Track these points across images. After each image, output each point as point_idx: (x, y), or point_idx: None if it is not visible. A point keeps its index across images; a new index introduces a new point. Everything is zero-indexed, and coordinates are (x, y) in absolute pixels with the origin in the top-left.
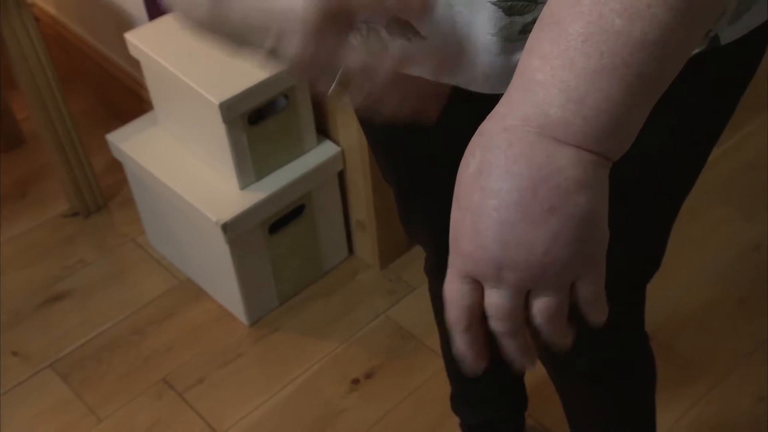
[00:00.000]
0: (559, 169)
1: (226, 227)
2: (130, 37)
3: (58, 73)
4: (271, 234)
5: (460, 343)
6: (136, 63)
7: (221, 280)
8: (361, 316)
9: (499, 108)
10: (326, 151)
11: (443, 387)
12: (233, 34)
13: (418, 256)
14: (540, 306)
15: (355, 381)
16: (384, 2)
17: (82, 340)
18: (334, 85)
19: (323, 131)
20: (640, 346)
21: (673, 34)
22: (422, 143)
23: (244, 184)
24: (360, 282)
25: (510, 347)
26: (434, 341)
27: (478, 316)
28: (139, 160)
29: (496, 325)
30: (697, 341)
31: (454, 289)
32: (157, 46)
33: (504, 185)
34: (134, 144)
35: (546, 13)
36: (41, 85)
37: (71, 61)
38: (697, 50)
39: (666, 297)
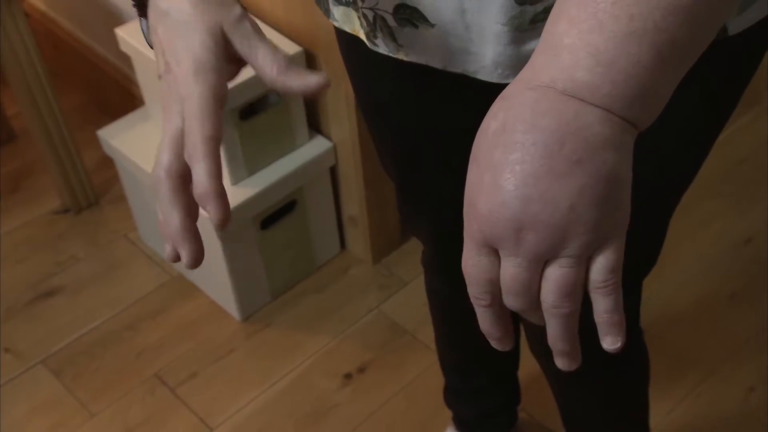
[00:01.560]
0: (587, 125)
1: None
2: (120, 32)
3: (48, 69)
4: (263, 229)
5: (485, 320)
6: (126, 58)
7: (213, 276)
8: (353, 311)
9: (524, 73)
10: (318, 146)
11: (436, 381)
12: None
13: (410, 250)
14: (555, 277)
15: (348, 375)
16: None
17: (74, 336)
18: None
19: (315, 126)
20: (634, 340)
21: None
22: (427, 134)
23: (236, 179)
24: (352, 277)
25: (532, 319)
26: (427, 335)
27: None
28: (131, 156)
29: (512, 301)
30: (689, 334)
31: (472, 263)
32: None
33: (529, 138)
34: (125, 140)
35: None
36: (32, 82)
37: (62, 57)
38: None
39: (658, 291)
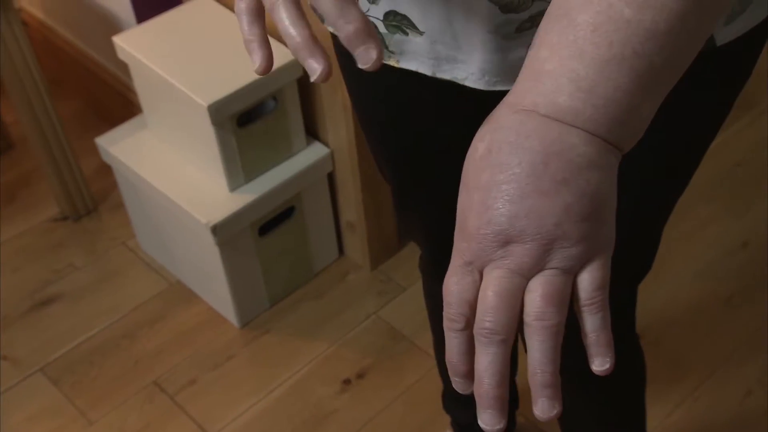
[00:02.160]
0: (571, 146)
1: (216, 229)
2: (118, 40)
3: (46, 77)
4: (261, 236)
5: (453, 347)
6: (124, 66)
7: (211, 283)
8: (351, 317)
9: (508, 98)
10: (315, 152)
11: (434, 386)
12: None
13: (408, 256)
14: (542, 285)
15: (347, 381)
16: None
17: (73, 343)
18: None
19: (312, 133)
20: (630, 344)
21: (684, 23)
22: (421, 139)
23: (234, 186)
24: (350, 283)
25: (497, 354)
26: (425, 341)
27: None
28: (129, 164)
29: (489, 317)
30: (685, 338)
31: (455, 280)
32: (146, 49)
33: (514, 158)
34: (123, 147)
35: (554, 6)
36: (29, 90)
37: (60, 65)
38: None
39: (654, 295)
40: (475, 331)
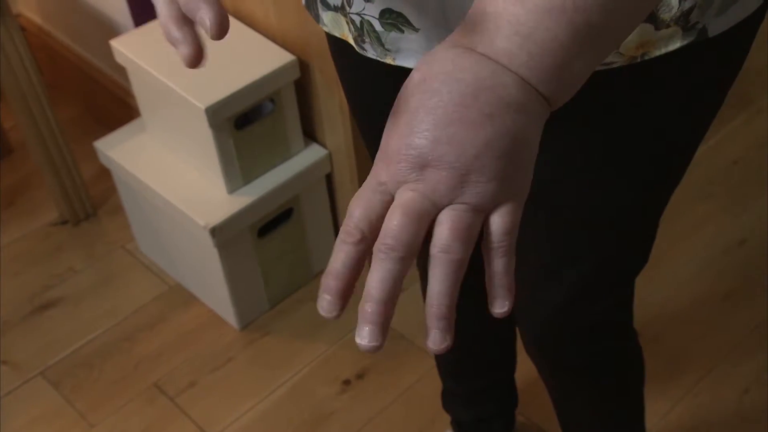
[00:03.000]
0: (502, 84)
1: (215, 231)
2: (115, 44)
3: (45, 82)
4: (260, 237)
5: (339, 258)
6: (122, 70)
7: (211, 285)
8: (351, 318)
9: (450, 36)
10: (314, 154)
11: (434, 386)
12: None
13: None
14: (451, 218)
15: (346, 382)
16: None
17: (73, 347)
18: None
19: (310, 134)
20: (628, 340)
21: None
22: None
23: (232, 188)
24: None
25: (392, 271)
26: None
27: (375, 236)
28: (127, 167)
29: (391, 234)
30: (684, 335)
31: (363, 197)
32: (143, 53)
33: (446, 87)
34: (122, 151)
35: None
36: (28, 95)
37: (58, 70)
38: (686, 41)
39: (653, 292)
40: (375, 247)
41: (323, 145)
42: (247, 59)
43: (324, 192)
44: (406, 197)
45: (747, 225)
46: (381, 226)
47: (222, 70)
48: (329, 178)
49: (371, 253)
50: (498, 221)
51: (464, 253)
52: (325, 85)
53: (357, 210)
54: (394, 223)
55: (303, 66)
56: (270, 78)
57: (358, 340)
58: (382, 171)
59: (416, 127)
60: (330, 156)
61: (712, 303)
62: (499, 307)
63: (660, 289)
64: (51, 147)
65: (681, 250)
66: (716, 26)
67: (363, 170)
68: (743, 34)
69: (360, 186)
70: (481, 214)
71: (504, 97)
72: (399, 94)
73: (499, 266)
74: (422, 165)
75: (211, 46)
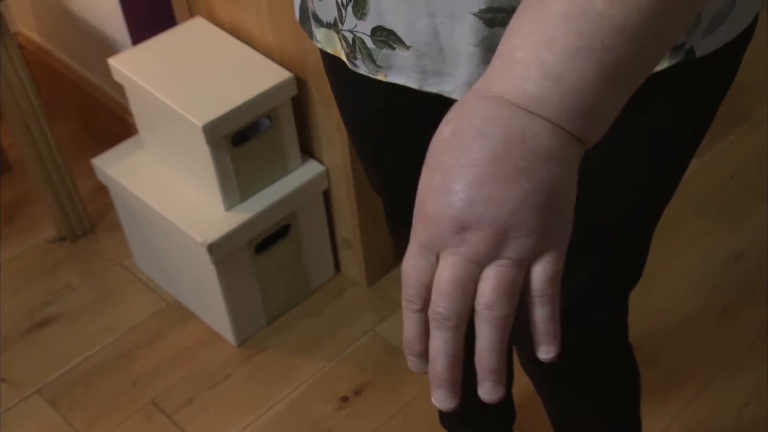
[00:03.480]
0: (534, 135)
1: (212, 248)
2: (113, 62)
3: (43, 99)
4: (258, 254)
5: (411, 325)
6: (120, 88)
7: (208, 301)
8: (349, 334)
9: (478, 84)
10: (311, 170)
11: (432, 402)
12: None
13: None
14: (494, 276)
15: (344, 398)
16: None
17: (70, 364)
18: None
19: (307, 150)
20: (624, 355)
21: (654, 20)
22: (411, 151)
23: (230, 204)
24: (347, 299)
25: (449, 338)
26: None
27: None
28: (125, 184)
29: (442, 304)
30: (681, 350)
31: (412, 263)
32: (141, 71)
33: (478, 143)
34: (120, 168)
35: None
36: (26, 113)
37: (56, 87)
38: (673, 62)
39: (650, 307)
40: (429, 315)
41: (320, 161)
42: (244, 76)
43: (321, 208)
44: (449, 263)
45: (743, 239)
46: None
47: (219, 87)
48: (326, 194)
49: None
50: (540, 271)
51: (509, 308)
52: (322, 102)
53: (411, 278)
54: (442, 292)
55: (300, 83)
56: (267, 95)
57: (433, 401)
58: (423, 232)
59: (451, 189)
60: (327, 172)
61: (710, 317)
62: (545, 353)
63: (656, 302)
64: (49, 164)
65: (677, 263)
66: (703, 47)
67: (360, 186)
68: (731, 54)
69: (357, 202)
70: (524, 267)
71: (536, 149)
72: (430, 147)
73: (543, 314)
74: (461, 227)
75: (207, 62)
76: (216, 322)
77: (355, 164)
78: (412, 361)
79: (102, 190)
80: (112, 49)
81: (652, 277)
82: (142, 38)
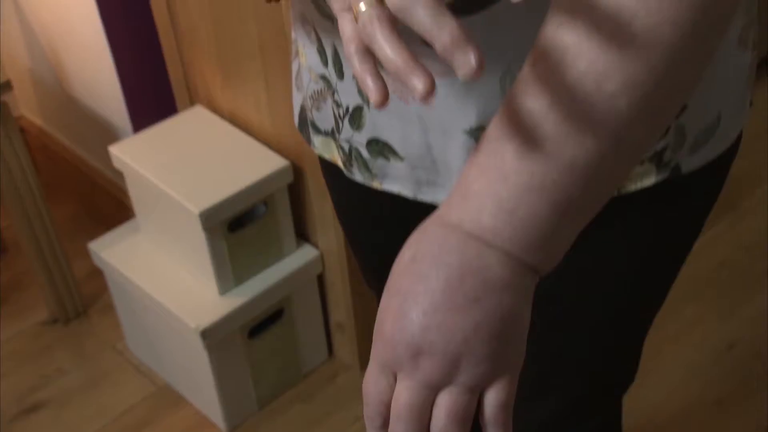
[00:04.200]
0: (487, 266)
1: (205, 333)
2: (114, 150)
3: (43, 181)
4: (251, 338)
5: None
6: (119, 172)
7: (200, 386)
8: (341, 420)
9: (440, 210)
10: (305, 254)
11: None
12: None
13: None
14: (447, 403)
15: None
16: None
17: None
18: None
19: (302, 234)
20: None
21: (603, 161)
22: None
23: (224, 289)
24: (340, 384)
25: None
26: None
27: None
28: (120, 268)
29: (400, 428)
30: None
31: (372, 381)
32: (140, 158)
33: (434, 272)
34: (115, 252)
35: (491, 128)
36: (25, 196)
37: (57, 169)
38: (660, 178)
39: (643, 398)
40: None
41: (315, 245)
42: (241, 164)
43: (315, 292)
44: (405, 386)
45: (736, 329)
46: None
47: (217, 175)
48: (320, 278)
49: None
50: (492, 397)
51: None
52: (317, 189)
53: (371, 397)
54: (399, 415)
55: (297, 170)
56: (264, 182)
57: None
58: (381, 353)
59: (407, 314)
60: (322, 256)
61: (704, 409)
62: None
63: (650, 394)
64: (44, 247)
65: (669, 354)
66: (689, 164)
67: (354, 270)
68: (717, 169)
69: (350, 286)
70: (476, 392)
71: (489, 279)
72: (393, 268)
73: None
74: (415, 352)
75: (205, 150)
76: (207, 407)
77: (349, 249)
78: None
79: (97, 272)
80: (112, 134)
81: (645, 368)
82: (143, 124)
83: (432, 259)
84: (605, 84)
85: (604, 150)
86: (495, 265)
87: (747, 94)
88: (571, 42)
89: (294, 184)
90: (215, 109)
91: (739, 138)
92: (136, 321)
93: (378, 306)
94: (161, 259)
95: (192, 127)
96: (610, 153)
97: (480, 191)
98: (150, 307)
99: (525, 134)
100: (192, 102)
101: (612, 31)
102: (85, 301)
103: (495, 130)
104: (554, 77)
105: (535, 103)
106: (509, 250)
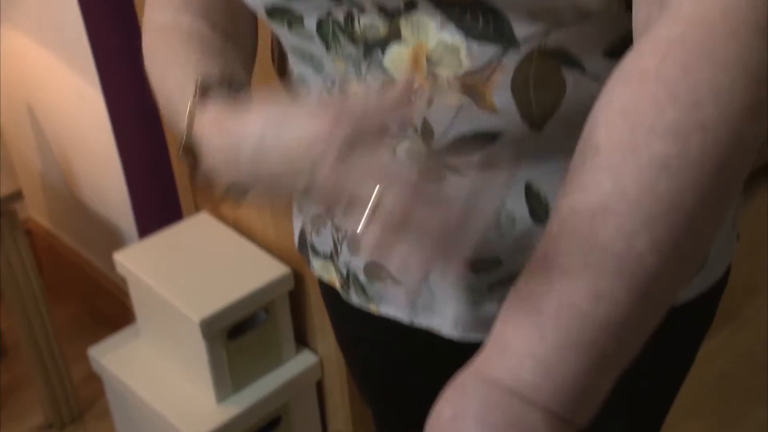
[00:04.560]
0: (530, 426)
1: None
2: (118, 257)
3: (47, 282)
4: None
5: None
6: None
7: None
8: None
9: (476, 364)
10: (304, 360)
11: None
12: (269, 186)
13: None
14: None
15: None
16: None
17: None
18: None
19: (302, 340)
20: None
21: (633, 316)
22: (399, 372)
23: (222, 397)
24: None
25: None
26: None
27: None
28: (118, 375)
29: None
30: None
31: None
32: (143, 266)
33: (480, 429)
34: (114, 358)
35: (520, 288)
36: (26, 299)
37: (61, 271)
38: None
39: None
40: None
41: (314, 350)
42: (243, 271)
43: (314, 398)
44: None
45: None
46: None
47: (218, 282)
48: (320, 384)
49: None
50: None
51: None
52: (318, 296)
53: None
54: None
55: (297, 277)
56: (265, 290)
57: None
58: None
59: None
60: (321, 362)
61: None
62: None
63: None
64: (44, 351)
65: None
66: (683, 296)
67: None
68: (708, 299)
69: (349, 394)
70: None
71: None
72: (431, 422)
73: None
74: None
75: (208, 257)
76: None
77: None
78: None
79: (95, 375)
80: (118, 237)
81: None
82: (149, 229)
83: (476, 417)
84: (635, 242)
85: (635, 304)
86: (538, 424)
87: (734, 230)
88: (597, 203)
89: (295, 291)
90: (220, 216)
91: (728, 271)
92: (132, 428)
93: (374, 424)
94: (160, 365)
95: (196, 234)
96: (639, 307)
97: (519, 349)
98: (146, 415)
99: (559, 295)
100: (197, 208)
101: (639, 192)
102: (81, 406)
103: (528, 287)
104: (583, 237)
105: (567, 260)
106: (550, 407)
